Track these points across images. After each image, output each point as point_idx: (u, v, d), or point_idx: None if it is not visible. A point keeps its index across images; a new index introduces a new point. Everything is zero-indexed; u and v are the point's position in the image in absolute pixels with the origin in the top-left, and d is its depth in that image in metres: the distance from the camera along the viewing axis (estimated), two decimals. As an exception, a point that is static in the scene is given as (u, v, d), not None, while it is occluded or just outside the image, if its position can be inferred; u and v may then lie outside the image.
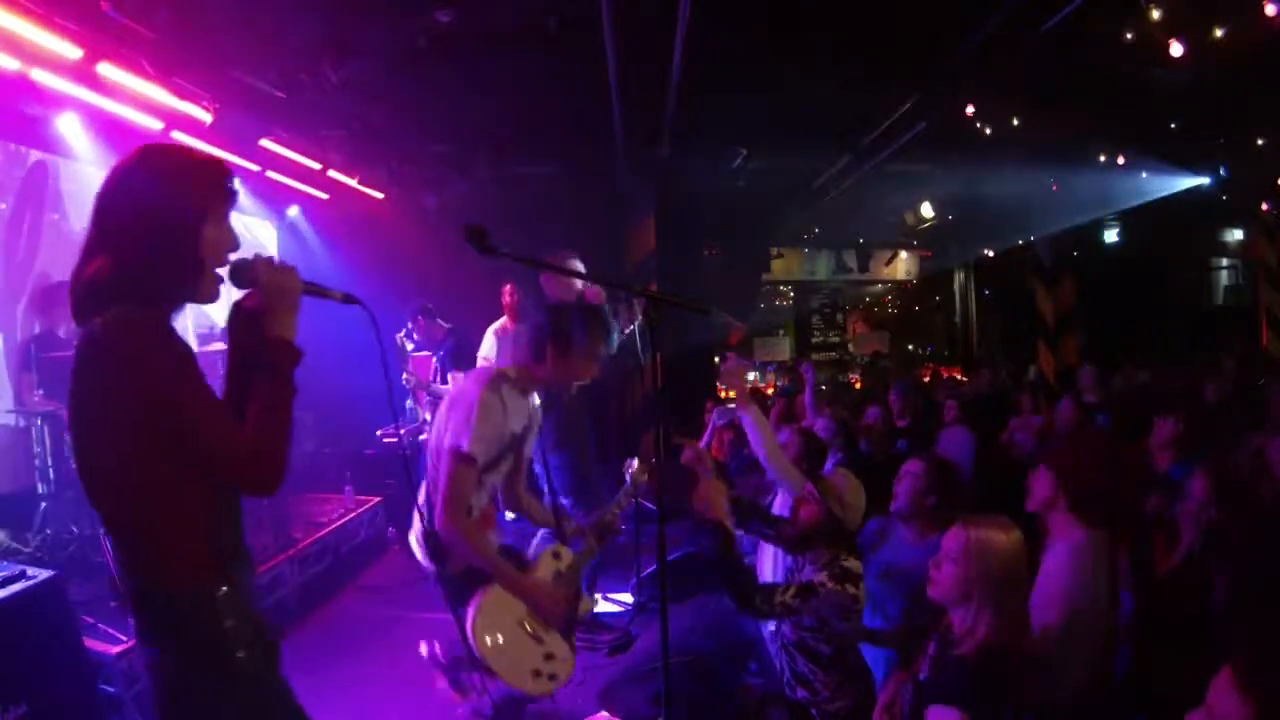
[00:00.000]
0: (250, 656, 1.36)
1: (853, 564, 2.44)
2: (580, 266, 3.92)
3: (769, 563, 3.20)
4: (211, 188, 1.39)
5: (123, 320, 1.28)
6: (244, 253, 1.47)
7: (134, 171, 1.36)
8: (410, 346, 5.16)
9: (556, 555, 2.50)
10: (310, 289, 1.49)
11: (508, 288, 5.51)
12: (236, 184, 1.43)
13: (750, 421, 2.99)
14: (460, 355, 5.13)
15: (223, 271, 1.43)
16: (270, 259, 1.44)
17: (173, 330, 1.34)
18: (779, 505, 3.26)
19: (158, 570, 1.34)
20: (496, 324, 5.51)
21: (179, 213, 1.34)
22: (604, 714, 2.65)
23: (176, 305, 1.40)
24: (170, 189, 1.35)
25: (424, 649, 3.12)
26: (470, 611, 2.23)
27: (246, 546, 1.47)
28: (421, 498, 2.44)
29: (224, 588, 1.35)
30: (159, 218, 1.33)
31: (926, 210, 9.62)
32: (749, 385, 3.13)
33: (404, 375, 5.22)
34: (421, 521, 2.38)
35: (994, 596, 1.79)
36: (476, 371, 2.44)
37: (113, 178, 1.36)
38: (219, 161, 1.44)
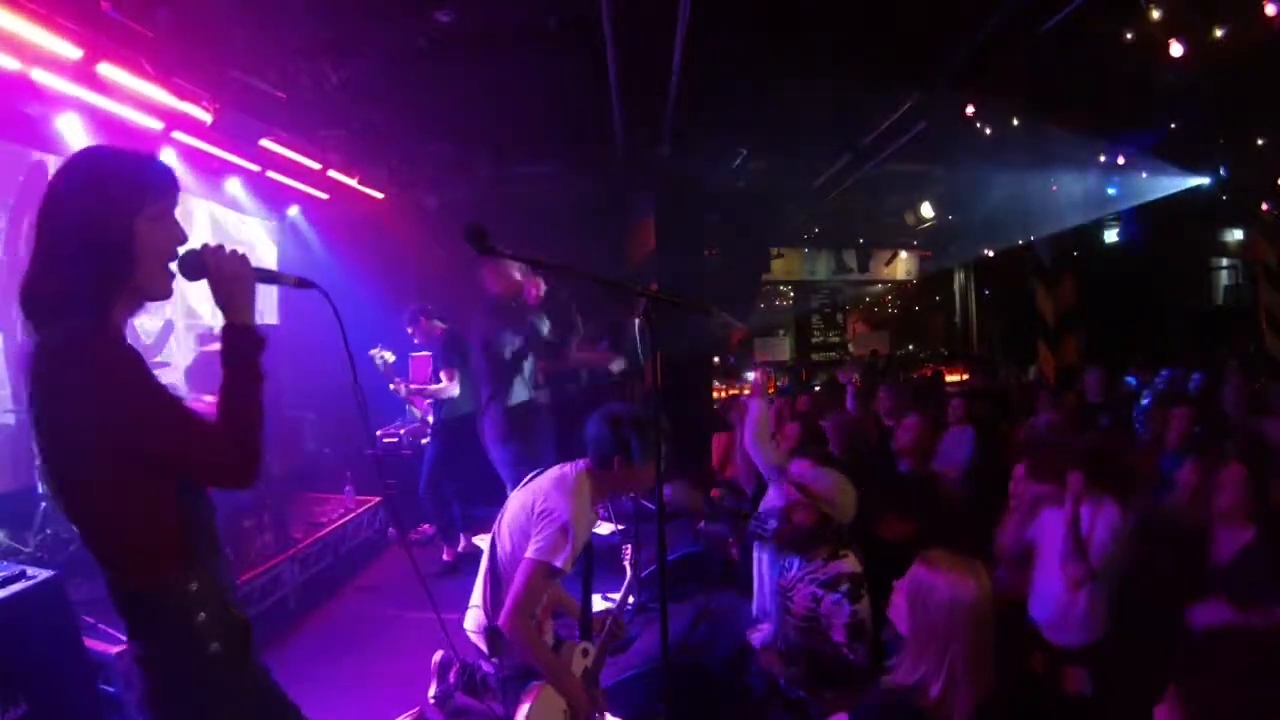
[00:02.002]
0: (225, 648, 1.37)
1: (851, 563, 2.50)
2: (518, 265, 4.00)
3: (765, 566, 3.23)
4: (138, 184, 1.37)
5: (67, 339, 1.28)
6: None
7: (61, 179, 1.36)
8: (392, 358, 5.16)
9: (585, 653, 2.63)
10: (263, 274, 1.48)
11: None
12: (172, 176, 1.42)
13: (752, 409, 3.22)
14: (449, 352, 5.13)
15: (174, 266, 1.42)
16: (219, 247, 1.42)
17: (117, 340, 1.33)
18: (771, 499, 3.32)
19: (129, 568, 1.35)
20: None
21: (104, 214, 1.33)
22: (604, 714, 2.66)
23: (127, 306, 1.39)
24: (93, 191, 1.34)
25: (438, 656, 3.15)
26: (526, 705, 2.35)
27: (219, 537, 1.47)
28: (478, 595, 2.59)
29: (194, 583, 1.36)
30: (86, 222, 1.33)
31: (926, 210, 9.63)
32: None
33: (391, 385, 5.19)
34: (485, 617, 2.52)
35: (932, 645, 1.66)
36: (558, 481, 2.49)
37: (48, 187, 1.37)
38: (148, 157, 1.43)
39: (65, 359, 1.28)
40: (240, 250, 1.44)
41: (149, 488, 1.32)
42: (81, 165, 1.38)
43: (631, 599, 3.16)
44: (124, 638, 3.11)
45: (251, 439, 1.35)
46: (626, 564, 3.10)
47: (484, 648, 2.57)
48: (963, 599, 1.64)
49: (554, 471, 2.56)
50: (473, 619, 2.63)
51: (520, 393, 4.45)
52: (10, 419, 4.18)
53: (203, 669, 1.36)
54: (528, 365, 4.54)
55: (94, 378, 1.26)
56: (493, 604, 2.50)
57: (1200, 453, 3.22)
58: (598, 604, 3.31)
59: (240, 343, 1.39)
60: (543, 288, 4.36)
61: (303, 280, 1.55)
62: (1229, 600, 2.46)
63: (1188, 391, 6.18)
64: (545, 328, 4.42)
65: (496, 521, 2.62)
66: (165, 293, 1.42)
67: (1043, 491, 2.88)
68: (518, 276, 4.24)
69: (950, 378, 11.15)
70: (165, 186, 1.40)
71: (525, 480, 2.64)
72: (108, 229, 1.33)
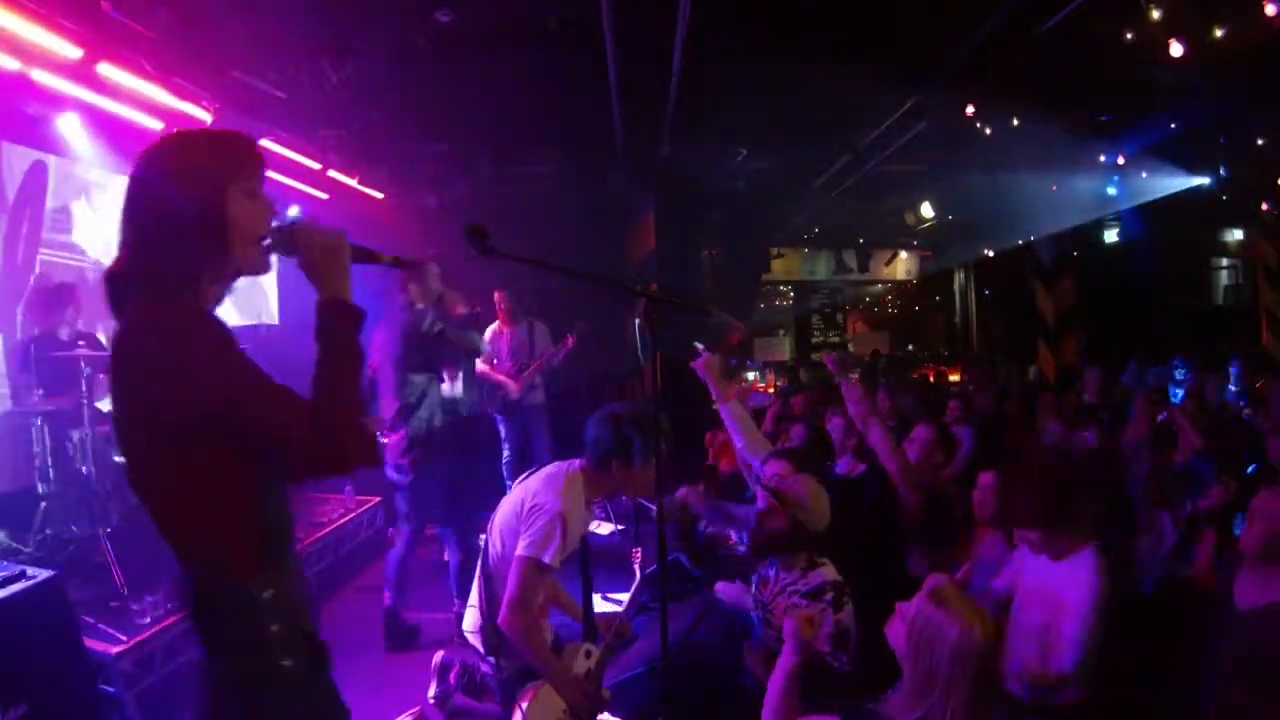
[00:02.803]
0: (297, 664, 1.29)
1: (830, 571, 2.51)
2: (437, 274, 3.88)
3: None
4: (226, 159, 1.32)
5: (145, 313, 1.24)
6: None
7: (146, 158, 1.32)
8: None
9: (588, 654, 2.61)
10: (359, 252, 1.42)
11: (497, 295, 5.66)
12: (259, 152, 1.37)
13: (729, 414, 3.15)
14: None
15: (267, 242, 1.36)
16: (313, 221, 1.39)
17: (203, 314, 1.27)
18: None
19: (204, 567, 1.28)
20: (492, 326, 5.64)
21: (194, 190, 1.28)
22: (604, 714, 2.66)
23: (216, 284, 1.34)
24: (182, 168, 1.30)
25: (438, 656, 3.15)
26: (524, 704, 2.35)
27: (295, 547, 1.41)
28: (474, 594, 2.57)
29: (270, 590, 1.27)
30: (175, 199, 1.27)
31: (926, 210, 9.63)
32: (727, 379, 3.27)
33: None
34: (481, 616, 2.50)
35: (933, 687, 1.60)
36: (548, 479, 2.49)
37: (135, 171, 1.32)
38: (235, 133, 1.38)
39: (150, 328, 1.22)
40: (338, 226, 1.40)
41: (229, 477, 1.25)
42: (168, 145, 1.34)
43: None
44: (124, 638, 3.13)
45: (350, 422, 1.26)
46: (636, 567, 3.09)
47: (481, 648, 2.57)
48: (971, 645, 1.57)
49: (546, 469, 2.56)
50: (469, 619, 2.63)
51: (428, 415, 3.91)
52: (10, 419, 4.18)
53: (273, 685, 1.28)
54: (443, 387, 4.15)
55: (182, 345, 1.20)
56: (487, 604, 2.50)
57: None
58: (598, 604, 3.32)
59: (338, 318, 1.31)
60: (462, 305, 4.21)
61: (399, 259, 1.48)
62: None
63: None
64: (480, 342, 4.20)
65: (489, 522, 2.62)
66: (263, 268, 1.36)
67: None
68: (438, 287, 3.96)
69: (951, 378, 11.17)
70: (254, 161, 1.36)
71: (520, 479, 2.64)
72: (198, 205, 1.28)
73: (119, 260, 1.30)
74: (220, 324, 1.26)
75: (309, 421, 1.22)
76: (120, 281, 1.29)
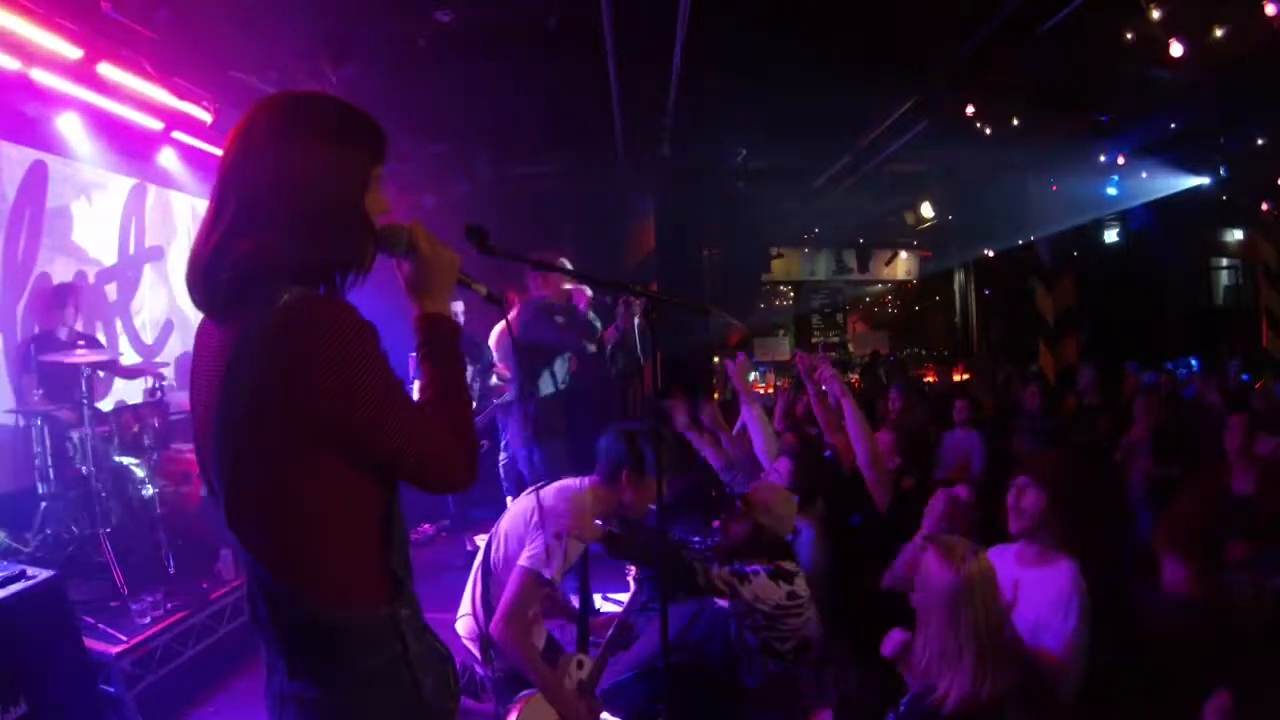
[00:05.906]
0: (435, 686, 1.20)
1: (789, 565, 2.62)
2: (568, 265, 4.14)
3: None
4: (372, 137, 1.20)
5: (310, 305, 1.07)
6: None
7: (276, 123, 1.14)
8: None
9: (580, 665, 2.60)
10: (462, 276, 1.31)
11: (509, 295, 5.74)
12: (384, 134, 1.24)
13: (750, 415, 3.41)
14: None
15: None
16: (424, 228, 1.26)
17: (359, 314, 1.11)
18: None
19: (333, 593, 1.13)
20: (499, 326, 5.66)
21: (345, 168, 1.15)
22: (604, 714, 2.65)
23: (342, 280, 1.20)
24: (329, 141, 1.15)
25: None
26: (514, 713, 2.35)
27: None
28: (468, 600, 2.58)
29: (405, 610, 1.18)
30: (324, 176, 1.12)
31: (926, 210, 9.62)
32: (752, 384, 3.58)
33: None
34: (476, 622, 2.51)
35: (943, 629, 1.76)
36: (560, 492, 2.51)
37: (246, 133, 1.13)
38: (361, 110, 1.23)
39: (309, 322, 1.05)
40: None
41: (363, 491, 1.13)
42: (309, 110, 1.18)
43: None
44: (124, 638, 3.11)
45: (471, 434, 1.20)
46: (630, 579, 3.11)
47: (477, 653, 2.57)
48: (965, 577, 1.76)
49: (561, 482, 2.58)
50: (464, 625, 2.62)
51: (548, 389, 4.69)
52: (10, 419, 4.18)
53: (408, 708, 1.17)
54: (561, 367, 4.78)
55: (346, 345, 1.05)
56: (483, 604, 2.49)
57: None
58: (599, 604, 3.33)
59: (445, 332, 1.23)
60: (589, 294, 4.58)
61: (492, 295, 1.42)
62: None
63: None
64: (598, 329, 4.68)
65: (497, 521, 2.62)
66: (369, 266, 1.21)
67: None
68: (567, 284, 4.52)
69: (953, 378, 11.17)
70: (384, 144, 1.21)
71: (533, 488, 2.64)
72: (347, 187, 1.14)
73: (245, 245, 1.09)
74: (373, 327, 1.11)
75: (439, 440, 1.14)
76: (248, 270, 1.09)
